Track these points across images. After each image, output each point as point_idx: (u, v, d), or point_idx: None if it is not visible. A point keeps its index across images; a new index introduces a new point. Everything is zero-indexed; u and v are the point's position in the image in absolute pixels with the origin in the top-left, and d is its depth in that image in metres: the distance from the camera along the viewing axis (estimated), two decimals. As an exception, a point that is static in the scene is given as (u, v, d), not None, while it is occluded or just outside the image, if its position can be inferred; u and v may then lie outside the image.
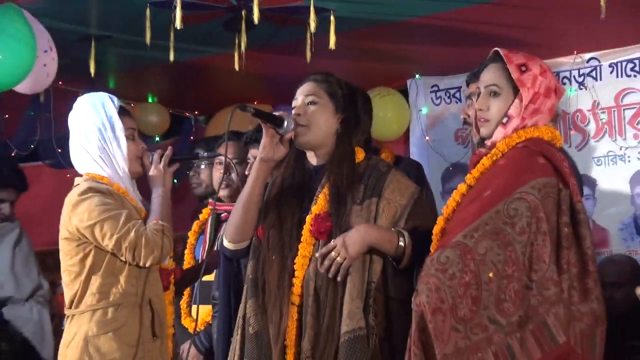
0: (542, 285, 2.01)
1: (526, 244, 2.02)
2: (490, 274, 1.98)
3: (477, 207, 2.10)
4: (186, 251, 3.51)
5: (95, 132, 2.64)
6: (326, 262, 2.29)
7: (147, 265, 2.58)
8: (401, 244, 2.32)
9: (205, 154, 3.22)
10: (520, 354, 1.96)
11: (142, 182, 2.79)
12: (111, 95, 2.71)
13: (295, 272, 2.39)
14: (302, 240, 2.41)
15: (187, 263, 3.48)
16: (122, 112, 2.70)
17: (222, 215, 3.42)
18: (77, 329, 2.60)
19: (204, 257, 3.34)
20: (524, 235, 2.02)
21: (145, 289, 2.61)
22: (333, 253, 2.29)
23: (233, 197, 3.19)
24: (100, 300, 2.59)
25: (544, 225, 2.04)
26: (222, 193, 3.36)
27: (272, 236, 2.46)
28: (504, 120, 2.21)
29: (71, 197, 2.64)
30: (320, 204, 2.41)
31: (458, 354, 1.95)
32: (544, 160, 2.13)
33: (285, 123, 2.42)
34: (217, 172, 3.42)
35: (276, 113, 2.44)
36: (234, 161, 3.31)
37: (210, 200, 3.59)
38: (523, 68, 2.19)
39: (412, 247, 2.32)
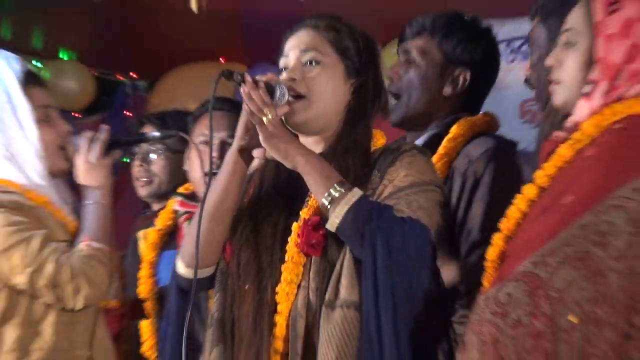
0: (649, 335, 1.85)
1: (626, 273, 1.87)
2: (573, 319, 1.87)
3: (553, 221, 2.00)
4: (142, 273, 3.38)
5: None
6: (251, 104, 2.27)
7: (78, 307, 2.57)
8: (335, 192, 2.20)
9: (159, 135, 3.00)
10: None
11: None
12: (10, 54, 2.58)
13: (278, 307, 2.27)
14: (286, 259, 2.28)
15: (145, 291, 3.36)
16: (31, 79, 2.60)
17: (183, 216, 3.36)
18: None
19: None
20: (623, 262, 1.88)
21: (82, 341, 2.59)
22: (265, 110, 2.25)
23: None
24: None
25: (653, 246, 1.88)
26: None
27: (245, 256, 2.36)
28: (586, 89, 2.10)
29: None
30: (312, 206, 2.32)
31: None
32: (653, 149, 2.01)
33: (277, 93, 2.31)
34: (196, 160, 3.26)
35: (262, 77, 2.31)
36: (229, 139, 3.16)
37: (175, 197, 3.45)
38: (613, 7, 2.07)
39: (355, 211, 2.17)
